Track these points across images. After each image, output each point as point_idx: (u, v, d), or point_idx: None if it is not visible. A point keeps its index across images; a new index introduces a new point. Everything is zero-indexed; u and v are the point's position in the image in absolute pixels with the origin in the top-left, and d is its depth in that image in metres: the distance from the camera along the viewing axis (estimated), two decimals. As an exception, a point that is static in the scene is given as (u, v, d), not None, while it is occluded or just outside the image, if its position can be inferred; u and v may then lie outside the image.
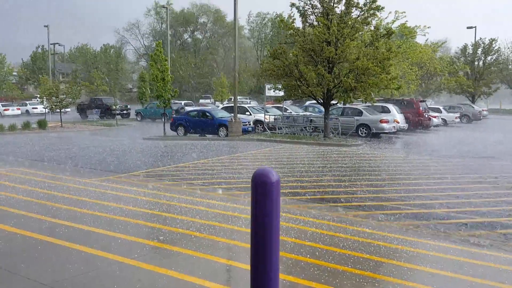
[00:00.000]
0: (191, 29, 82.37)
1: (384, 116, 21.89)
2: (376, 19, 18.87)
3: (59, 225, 6.45)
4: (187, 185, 9.88)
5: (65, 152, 15.96)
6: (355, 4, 18.04)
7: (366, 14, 18.00)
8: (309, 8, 18.51)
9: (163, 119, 33.66)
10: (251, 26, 75.30)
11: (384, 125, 21.48)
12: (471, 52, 47.37)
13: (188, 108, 36.18)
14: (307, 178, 10.89)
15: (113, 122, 33.46)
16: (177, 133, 23.37)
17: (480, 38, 46.80)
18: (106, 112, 38.05)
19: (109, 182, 10.09)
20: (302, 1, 18.53)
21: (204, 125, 22.85)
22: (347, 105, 22.35)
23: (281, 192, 9.20)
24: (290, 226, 6.57)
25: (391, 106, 23.33)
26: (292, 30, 18.74)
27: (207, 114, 23.48)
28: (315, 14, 18.40)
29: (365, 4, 18.05)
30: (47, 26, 46.35)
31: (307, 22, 18.82)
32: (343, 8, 18.21)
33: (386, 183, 10.34)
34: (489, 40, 45.79)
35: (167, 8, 44.26)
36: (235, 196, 8.85)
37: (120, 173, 11.41)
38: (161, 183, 10.10)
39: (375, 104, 22.78)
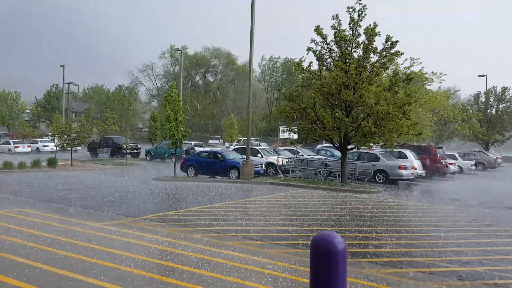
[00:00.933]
0: (202, 71, 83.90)
1: (402, 162, 21.28)
2: (393, 64, 18.66)
3: (66, 278, 5.83)
4: (202, 233, 9.24)
5: (74, 192, 15.46)
6: (373, 49, 17.91)
7: (384, 59, 17.83)
8: (326, 52, 18.42)
9: (173, 159, 33.57)
10: (263, 69, 76.40)
11: (403, 171, 20.82)
12: (483, 99, 47.20)
13: (198, 149, 35.93)
14: (330, 229, 10.20)
15: (123, 161, 33.18)
16: (187, 174, 22.87)
17: (493, 86, 46.76)
18: (117, 151, 37.91)
19: (119, 227, 9.49)
20: (319, 45, 18.48)
21: (215, 166, 22.34)
22: (363, 150, 21.80)
23: (303, 243, 8.59)
24: None
25: (408, 152, 22.73)
26: (308, 73, 18.56)
27: (218, 155, 23.03)
28: (333, 58, 18.27)
29: (383, 49, 17.93)
30: (63, 66, 47.27)
31: (324, 66, 18.67)
32: (361, 53, 18.08)
33: (416, 236, 9.62)
34: (501, 88, 45.73)
35: (181, 51, 45.04)
36: (255, 247, 8.18)
37: (130, 217, 10.83)
38: (174, 229, 9.47)
39: (393, 150, 22.24)
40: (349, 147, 18.81)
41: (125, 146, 36.14)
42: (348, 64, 17.69)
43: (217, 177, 21.98)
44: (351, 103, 17.64)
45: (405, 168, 21.11)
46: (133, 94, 79.33)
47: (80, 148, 35.04)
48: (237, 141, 48.00)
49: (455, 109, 43.72)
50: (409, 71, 25.12)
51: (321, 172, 21.18)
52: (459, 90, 51.43)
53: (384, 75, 18.62)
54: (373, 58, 18.11)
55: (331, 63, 18.26)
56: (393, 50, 17.80)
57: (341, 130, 17.52)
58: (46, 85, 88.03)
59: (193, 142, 39.56)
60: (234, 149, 27.21)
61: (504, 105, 45.72)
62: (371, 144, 18.26)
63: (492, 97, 46.36)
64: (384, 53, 17.94)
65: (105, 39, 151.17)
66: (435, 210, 13.48)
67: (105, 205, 12.61)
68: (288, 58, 74.00)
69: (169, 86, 24.90)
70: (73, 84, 57.19)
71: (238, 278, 6.12)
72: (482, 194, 18.50)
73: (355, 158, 21.79)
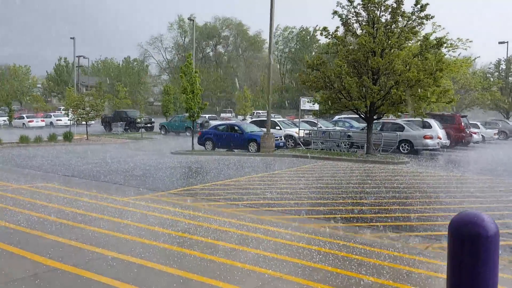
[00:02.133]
0: (213, 42, 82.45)
1: (427, 132, 20.57)
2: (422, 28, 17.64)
3: (103, 258, 5.44)
4: (234, 207, 8.81)
5: (95, 166, 15.13)
6: (402, 13, 16.94)
7: (414, 23, 16.88)
8: (353, 16, 17.48)
9: (188, 133, 33.19)
10: (276, 40, 74.58)
11: (428, 141, 20.15)
12: (504, 67, 45.73)
13: (212, 122, 35.47)
14: (366, 201, 9.71)
15: (138, 135, 32.88)
16: (205, 148, 22.46)
17: (514, 53, 45.13)
18: (131, 125, 37.62)
19: (148, 202, 9.11)
20: (345, 9, 17.52)
21: (233, 139, 21.85)
22: (387, 120, 21.09)
23: (341, 217, 8.14)
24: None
25: (432, 121, 21.96)
26: (335, 39, 17.67)
27: (237, 128, 22.48)
28: (359, 22, 17.35)
29: (412, 13, 16.95)
30: (73, 38, 46.50)
31: (350, 31, 17.78)
32: (389, 17, 17.13)
33: (459, 207, 9.08)
34: (524, 54, 44.12)
35: (193, 20, 43.74)
36: (293, 222, 7.73)
37: (157, 191, 10.45)
38: (204, 204, 9.06)
39: (415, 119, 21.51)
40: (374, 117, 18.11)
41: (139, 120, 35.79)
42: (376, 29, 16.80)
43: (235, 150, 21.53)
44: (378, 70, 16.83)
45: (431, 137, 20.44)
46: (143, 67, 78.44)
47: (93, 122, 34.83)
48: (250, 114, 47.29)
49: (476, 77, 42.44)
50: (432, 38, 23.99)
51: (343, 144, 20.59)
52: (479, 57, 49.74)
53: (414, 40, 17.65)
54: (402, 22, 17.14)
55: (358, 28, 17.36)
56: (422, 14, 16.82)
57: (367, 99, 16.79)
58: (54, 59, 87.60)
59: (207, 115, 39.01)
60: (252, 122, 26.61)
61: (526, 72, 44.28)
62: (400, 113, 17.52)
63: (514, 65, 44.87)
64: (414, 16, 16.96)
65: (112, 11, 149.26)
66: (469, 180, 12.90)
67: (129, 179, 12.25)
68: (303, 27, 72.13)
69: (186, 56, 24.15)
70: (84, 57, 56.56)
71: (287, 256, 5.68)
72: (513, 164, 17.81)
73: (379, 128, 21.11)
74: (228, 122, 30.93)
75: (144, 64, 79.85)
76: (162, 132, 36.89)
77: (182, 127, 35.40)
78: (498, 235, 1.82)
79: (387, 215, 8.25)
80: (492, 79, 45.29)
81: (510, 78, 45.01)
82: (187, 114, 26.01)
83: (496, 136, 32.21)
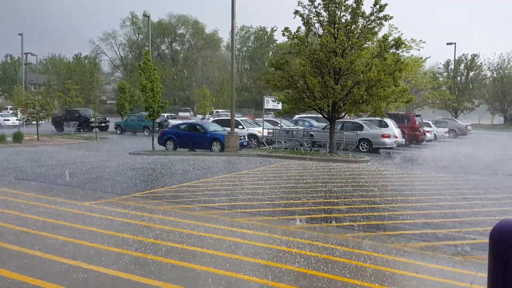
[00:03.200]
0: (169, 40, 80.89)
1: (385, 131, 21.13)
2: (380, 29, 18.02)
3: (74, 268, 5.05)
4: (205, 210, 8.55)
5: (50, 168, 14.29)
6: (361, 13, 17.24)
7: (373, 24, 17.23)
8: (314, 16, 17.59)
9: (148, 133, 32.25)
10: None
11: (386, 139, 20.71)
12: (453, 67, 47.97)
13: (172, 121, 34.73)
14: (336, 200, 9.75)
15: (92, 135, 31.58)
16: (166, 148, 21.90)
17: (463, 54, 47.50)
18: (83, 124, 36.05)
19: (112, 206, 8.66)
20: (306, 8, 17.59)
21: (196, 139, 21.45)
22: (347, 119, 21.47)
23: (317, 217, 8.10)
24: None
25: (389, 121, 22.60)
26: (297, 39, 17.72)
27: (199, 128, 22.09)
28: (321, 22, 17.50)
29: (371, 13, 17.29)
30: (21, 34, 44.02)
31: (311, 31, 17.88)
32: (349, 17, 17.39)
33: (425, 205, 9.30)
34: (471, 55, 46.50)
35: (148, 17, 42.51)
36: (268, 224, 7.59)
37: (120, 195, 9.98)
38: (173, 207, 8.74)
39: (373, 118, 22.03)
40: (337, 116, 18.34)
41: (93, 119, 34.37)
42: (337, 29, 17.00)
43: (198, 150, 21.16)
44: (340, 70, 17.05)
45: (388, 136, 21.02)
46: (95, 64, 75.64)
47: (43, 122, 33.06)
48: (210, 113, 46.81)
49: (426, 77, 44.21)
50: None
51: (306, 143, 20.73)
52: (430, 57, 51.87)
53: (373, 41, 18.02)
54: (361, 22, 17.45)
55: (319, 28, 17.50)
56: (381, 14, 17.20)
57: (330, 98, 16.96)
58: (0, 56, 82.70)
59: (166, 114, 38.13)
60: (214, 121, 26.27)
61: (473, 72, 46.68)
62: (361, 113, 17.85)
63: (462, 65, 47.17)
64: (373, 17, 17.32)
65: (62, 8, 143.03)
66: (431, 178, 13.32)
67: (89, 182, 11.64)
68: (260, 27, 72.31)
69: (144, 53, 23.44)
70: (31, 54, 53.70)
71: (268, 260, 5.53)
72: (468, 160, 18.62)
73: (339, 127, 21.44)
74: (190, 121, 30.40)
75: (96, 61, 77.01)
76: (117, 131, 35.65)
77: (139, 126, 34.40)
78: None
79: (359, 214, 8.30)
80: (441, 79, 47.34)
81: (458, 78, 47.24)
82: (144, 113, 25.29)
83: (447, 135, 33.69)
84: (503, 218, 6.46)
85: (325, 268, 5.25)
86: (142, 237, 6.49)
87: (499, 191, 11.12)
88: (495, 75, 54.74)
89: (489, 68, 54.08)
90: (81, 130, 35.56)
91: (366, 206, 9.11)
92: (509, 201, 9.84)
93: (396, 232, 7.19)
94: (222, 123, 24.40)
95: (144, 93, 21.40)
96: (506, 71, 54.37)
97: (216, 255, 5.69)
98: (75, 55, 71.71)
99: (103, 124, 37.27)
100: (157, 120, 31.45)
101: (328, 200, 9.74)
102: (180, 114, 53.59)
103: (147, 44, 72.42)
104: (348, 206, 8.99)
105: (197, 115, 49.74)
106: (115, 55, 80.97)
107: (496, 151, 23.59)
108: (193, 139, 21.36)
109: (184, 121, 32.84)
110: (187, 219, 7.69)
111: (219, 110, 52.33)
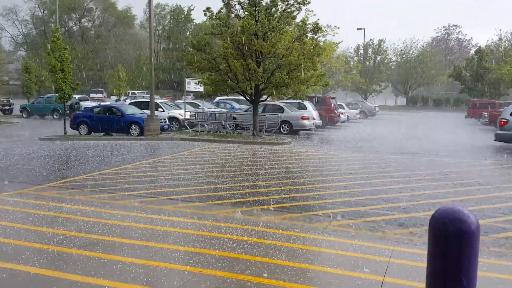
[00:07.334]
0: (77, 16, 75.43)
1: (304, 113, 21.89)
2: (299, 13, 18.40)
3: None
4: (129, 199, 8.24)
5: None
6: (281, -4, 17.47)
7: (292, 8, 17.55)
8: (234, -2, 17.48)
9: (57, 116, 29.99)
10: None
11: (305, 121, 21.49)
12: (362, 52, 50.80)
13: (83, 104, 32.75)
14: (263, 183, 9.94)
15: (-6, 119, 28.73)
16: (80, 132, 20.68)
17: (370, 39, 50.44)
18: (-17, 108, 32.71)
19: (26, 198, 8.01)
20: (227, -11, 17.39)
21: (112, 123, 20.46)
22: (268, 102, 21.85)
23: (245, 201, 8.21)
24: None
25: (307, 103, 23.44)
26: (219, 20, 17.47)
27: (116, 110, 21.06)
28: (241, 4, 17.42)
29: (290, -3, 17.58)
30: None
31: (232, 13, 17.76)
32: (268, 0, 17.52)
33: (346, 184, 9.86)
34: (378, 41, 49.53)
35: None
36: (198, 210, 7.54)
37: (34, 185, 9.25)
38: (94, 196, 8.30)
39: (292, 101, 22.69)
40: (260, 99, 18.57)
41: (-5, 102, 31.30)
42: (257, 11, 17.06)
43: (115, 134, 20.23)
44: (262, 53, 17.21)
45: (308, 118, 21.82)
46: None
47: None
48: (125, 95, 44.77)
49: (339, 61, 46.39)
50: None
51: (229, 126, 20.77)
52: (342, 41, 54.33)
53: (292, 25, 18.38)
54: (281, 6, 17.70)
55: (241, 10, 17.43)
56: (300, -2, 17.57)
57: (252, 81, 17.10)
58: None
59: (77, 96, 35.79)
60: (131, 103, 25.20)
61: (380, 57, 49.87)
62: (283, 96, 18.24)
63: (370, 50, 50.14)
64: (291, 1, 17.62)
65: None
66: (348, 158, 14.11)
67: (-4, 173, 10.62)
68: (177, 6, 70.10)
69: (52, 31, 21.62)
70: None
71: (203, 248, 5.51)
72: (378, 140, 19.96)
73: (261, 110, 21.77)
74: (105, 103, 28.88)
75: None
76: (23, 115, 32.84)
77: (48, 109, 32.00)
78: (479, 229, 1.91)
79: (286, 196, 8.56)
80: (352, 63, 49.93)
81: (367, 62, 50.17)
82: (53, 95, 23.44)
83: (358, 116, 35.85)
84: (412, 194, 7.05)
85: (257, 252, 5.36)
86: (63, 230, 6.09)
87: (407, 168, 12.11)
88: (399, 59, 59.08)
89: (394, 53, 58.11)
90: (-20, 114, 32.26)
91: (292, 187, 9.42)
92: (416, 178, 10.76)
93: (321, 211, 7.54)
94: (140, 105, 23.52)
95: (54, 74, 19.84)
96: (409, 56, 58.91)
97: (146, 246, 5.53)
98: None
99: (6, 107, 34.28)
100: (68, 103, 29.54)
101: (255, 183, 9.90)
102: (92, 95, 50.55)
103: (52, 20, 66.90)
104: (275, 189, 9.23)
105: (111, 97, 47.33)
106: (17, 32, 73.92)
107: (402, 131, 25.63)
108: (110, 122, 20.37)
109: (98, 103, 31.15)
110: (111, 209, 7.36)
111: (135, 92, 50.28)
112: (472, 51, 59.27)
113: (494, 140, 16.89)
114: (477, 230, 1.90)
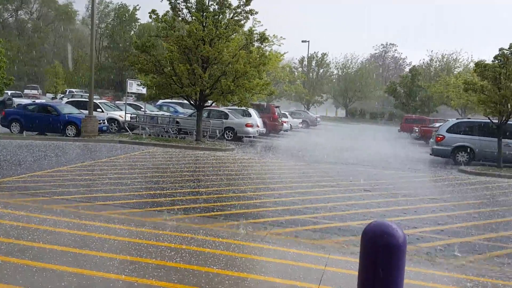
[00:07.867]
0: (13, 7, 71.01)
1: (248, 120, 22.08)
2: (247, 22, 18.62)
3: None
4: (64, 203, 7.86)
5: None
6: (228, 5, 17.58)
7: (240, 17, 17.70)
8: (182, 2, 17.30)
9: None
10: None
11: (249, 129, 21.68)
12: (306, 63, 52.26)
13: (16, 100, 30.89)
14: (204, 190, 9.89)
15: None
16: (11, 130, 19.46)
17: (314, 52, 52.04)
18: None
19: None
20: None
21: (47, 122, 19.45)
22: (213, 107, 21.80)
23: (186, 208, 8.12)
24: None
25: (252, 111, 23.67)
26: (164, 23, 17.21)
27: (51, 109, 20.04)
28: (189, 9, 17.31)
29: (238, 6, 17.73)
30: None
31: (178, 16, 17.57)
32: (217, 7, 17.57)
33: (286, 193, 10.06)
34: (321, 54, 51.22)
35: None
36: (132, 216, 7.34)
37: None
38: (24, 200, 7.83)
39: (237, 107, 22.83)
40: (204, 105, 18.48)
41: None
42: (205, 17, 17.04)
43: (49, 134, 19.24)
44: (208, 59, 17.17)
45: (252, 126, 22.05)
46: None
47: None
48: (62, 93, 42.72)
49: (284, 71, 47.35)
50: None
51: (171, 130, 20.44)
52: (287, 52, 55.49)
53: (240, 33, 18.53)
54: (229, 13, 17.81)
55: (187, 14, 17.31)
56: (247, 8, 17.77)
57: (197, 86, 16.98)
58: None
59: (10, 92, 33.62)
60: (67, 102, 24.09)
61: (323, 69, 51.58)
62: (228, 102, 18.29)
63: (313, 62, 51.70)
64: (239, 9, 17.79)
65: None
66: (290, 167, 14.41)
67: None
68: (121, 4, 68.08)
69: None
70: None
71: (136, 256, 5.37)
72: (319, 150, 20.55)
73: (205, 115, 21.68)
74: (40, 101, 27.39)
75: None
76: None
77: (-26, 105, 29.72)
78: (406, 242, 2.05)
79: (227, 203, 8.58)
80: (296, 74, 51.19)
81: (310, 74, 51.65)
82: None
83: (301, 125, 36.78)
84: (349, 203, 7.36)
85: (196, 261, 5.31)
86: (-11, 238, 5.69)
87: (345, 178, 12.59)
88: (340, 73, 61.48)
89: (336, 66, 60.34)
90: None
91: (233, 195, 9.45)
92: (353, 187, 11.22)
93: (261, 220, 7.63)
94: (77, 105, 22.55)
95: (-17, 67, 18.56)
96: (349, 70, 61.46)
97: (79, 253, 5.29)
98: None
99: None
100: (0, 99, 27.73)
101: (196, 190, 9.82)
102: (27, 92, 47.72)
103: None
104: (216, 196, 9.21)
105: (47, 94, 44.97)
106: None
107: (341, 141, 26.62)
108: (44, 121, 19.35)
109: (33, 100, 29.51)
110: (42, 213, 6.97)
111: (73, 90, 48.13)
112: (407, 69, 63.05)
113: (430, 155, 18.01)
114: (404, 244, 2.03)
